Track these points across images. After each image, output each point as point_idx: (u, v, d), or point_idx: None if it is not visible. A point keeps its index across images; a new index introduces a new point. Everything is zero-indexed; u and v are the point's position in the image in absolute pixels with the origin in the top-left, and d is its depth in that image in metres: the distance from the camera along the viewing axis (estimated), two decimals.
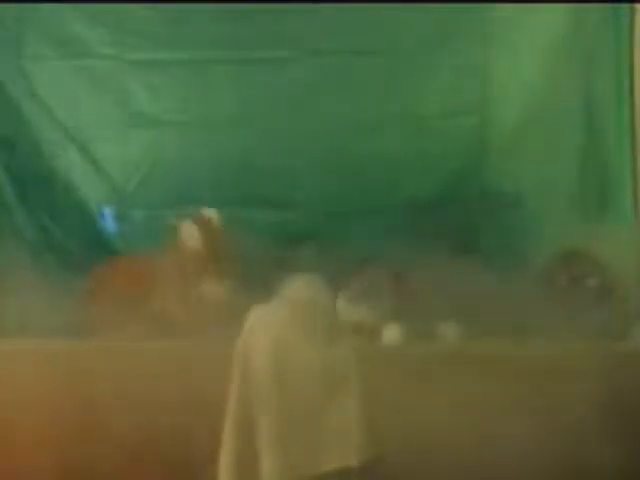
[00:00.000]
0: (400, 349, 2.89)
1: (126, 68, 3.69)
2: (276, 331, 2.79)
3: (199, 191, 3.64)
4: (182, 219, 3.14)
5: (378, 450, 2.72)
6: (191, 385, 2.77)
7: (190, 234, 3.10)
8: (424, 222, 3.52)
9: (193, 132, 3.67)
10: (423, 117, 3.62)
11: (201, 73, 3.68)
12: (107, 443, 2.80)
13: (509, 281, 3.05)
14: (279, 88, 3.66)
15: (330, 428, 2.75)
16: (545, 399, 2.79)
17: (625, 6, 3.52)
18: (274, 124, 3.66)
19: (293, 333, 2.79)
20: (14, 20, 3.64)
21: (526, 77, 3.58)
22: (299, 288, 3.00)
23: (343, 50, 3.62)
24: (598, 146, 3.55)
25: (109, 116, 3.70)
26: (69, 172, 3.70)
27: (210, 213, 3.17)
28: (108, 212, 3.69)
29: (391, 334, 2.92)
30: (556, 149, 3.58)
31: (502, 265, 3.17)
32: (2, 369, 2.86)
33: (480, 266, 3.16)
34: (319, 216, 3.61)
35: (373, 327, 2.93)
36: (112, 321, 2.98)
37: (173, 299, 3.04)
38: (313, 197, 3.63)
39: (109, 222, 3.67)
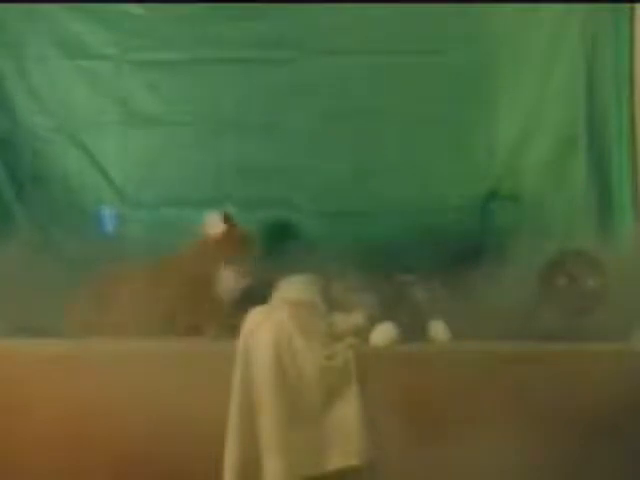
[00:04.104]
0: (397, 349, 2.89)
1: (126, 68, 3.68)
2: (276, 332, 2.79)
3: (199, 191, 3.64)
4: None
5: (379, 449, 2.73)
6: (192, 387, 2.78)
7: (214, 223, 3.17)
8: (424, 223, 3.53)
9: (193, 132, 3.67)
10: (425, 121, 3.62)
11: (201, 73, 3.67)
12: (108, 444, 2.81)
13: (509, 281, 3.06)
14: (279, 88, 3.66)
15: (331, 428, 2.75)
16: (546, 399, 2.79)
17: (625, 6, 3.52)
18: (274, 124, 3.65)
19: (293, 334, 2.79)
20: (15, 20, 3.64)
21: (527, 78, 3.59)
22: (298, 289, 3.01)
23: (343, 50, 3.62)
24: (598, 147, 3.55)
25: (109, 116, 3.70)
26: (69, 172, 3.70)
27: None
28: (108, 212, 3.68)
29: (385, 334, 2.91)
30: (557, 150, 3.58)
31: (502, 266, 3.16)
32: (2, 369, 2.86)
33: (479, 267, 3.17)
34: (319, 217, 3.61)
35: (368, 327, 2.93)
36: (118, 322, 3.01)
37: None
38: (313, 198, 3.63)
39: (109, 222, 3.67)
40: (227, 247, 3.15)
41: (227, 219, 3.19)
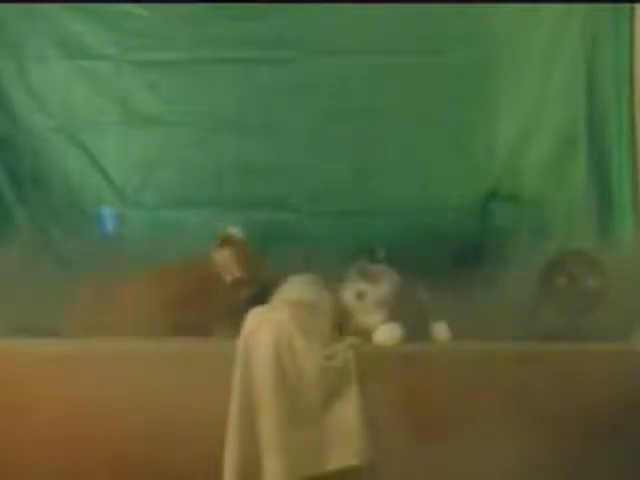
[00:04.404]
0: (397, 349, 2.89)
1: (126, 68, 3.68)
2: (276, 332, 2.79)
3: (199, 191, 3.64)
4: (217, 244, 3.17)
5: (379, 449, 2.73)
6: (192, 387, 2.78)
7: (228, 263, 3.14)
8: (424, 223, 3.53)
9: (193, 132, 3.68)
10: (425, 121, 3.62)
11: (201, 73, 3.67)
12: (108, 444, 2.81)
13: (509, 281, 3.06)
14: (279, 88, 3.66)
15: (331, 428, 2.75)
16: (546, 399, 2.79)
17: (625, 6, 3.52)
18: (274, 124, 3.65)
19: (293, 334, 2.79)
20: (15, 20, 3.64)
21: (527, 78, 3.59)
22: (298, 289, 3.01)
23: (343, 50, 3.62)
24: (598, 147, 3.55)
25: (109, 116, 3.70)
26: (68, 172, 3.70)
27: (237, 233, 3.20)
28: (108, 212, 3.68)
29: (390, 333, 2.91)
30: (557, 150, 3.58)
31: (502, 266, 3.17)
32: (2, 369, 2.86)
33: (479, 267, 3.17)
34: (319, 217, 3.61)
35: (370, 327, 2.93)
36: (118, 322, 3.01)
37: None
38: (313, 198, 3.63)
39: (109, 222, 3.67)
40: (240, 283, 3.13)
41: (241, 254, 3.15)
